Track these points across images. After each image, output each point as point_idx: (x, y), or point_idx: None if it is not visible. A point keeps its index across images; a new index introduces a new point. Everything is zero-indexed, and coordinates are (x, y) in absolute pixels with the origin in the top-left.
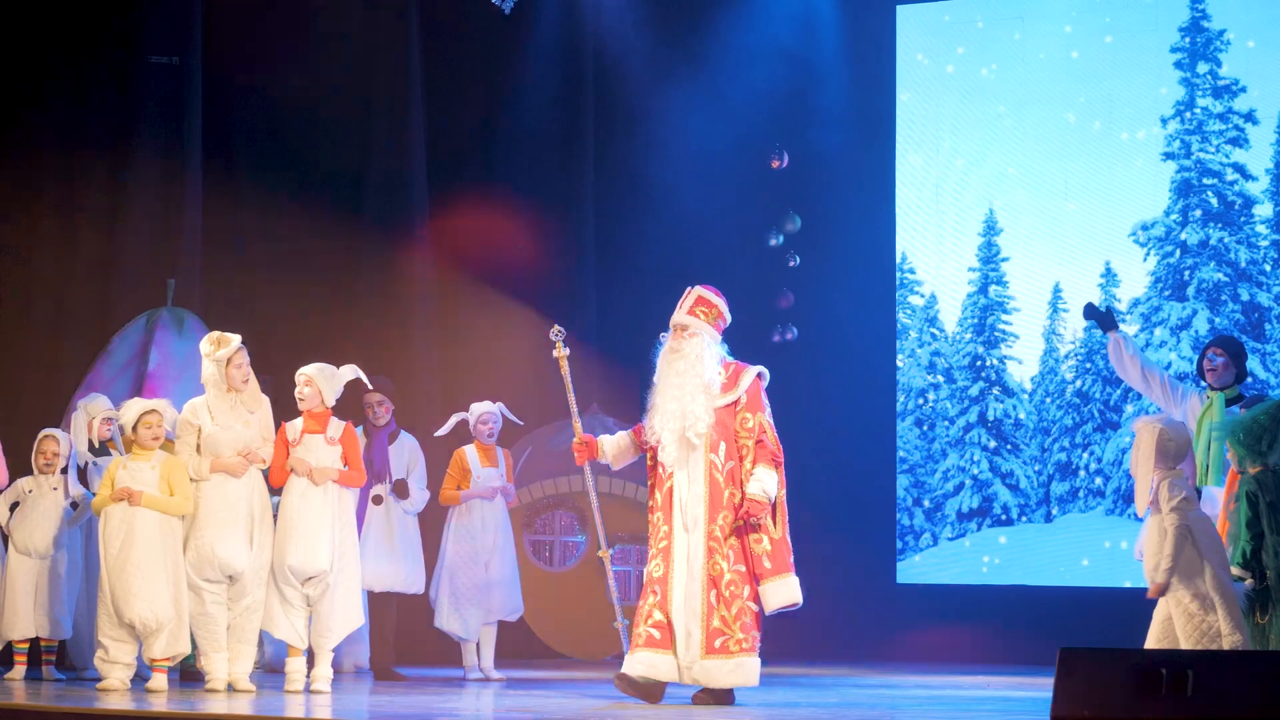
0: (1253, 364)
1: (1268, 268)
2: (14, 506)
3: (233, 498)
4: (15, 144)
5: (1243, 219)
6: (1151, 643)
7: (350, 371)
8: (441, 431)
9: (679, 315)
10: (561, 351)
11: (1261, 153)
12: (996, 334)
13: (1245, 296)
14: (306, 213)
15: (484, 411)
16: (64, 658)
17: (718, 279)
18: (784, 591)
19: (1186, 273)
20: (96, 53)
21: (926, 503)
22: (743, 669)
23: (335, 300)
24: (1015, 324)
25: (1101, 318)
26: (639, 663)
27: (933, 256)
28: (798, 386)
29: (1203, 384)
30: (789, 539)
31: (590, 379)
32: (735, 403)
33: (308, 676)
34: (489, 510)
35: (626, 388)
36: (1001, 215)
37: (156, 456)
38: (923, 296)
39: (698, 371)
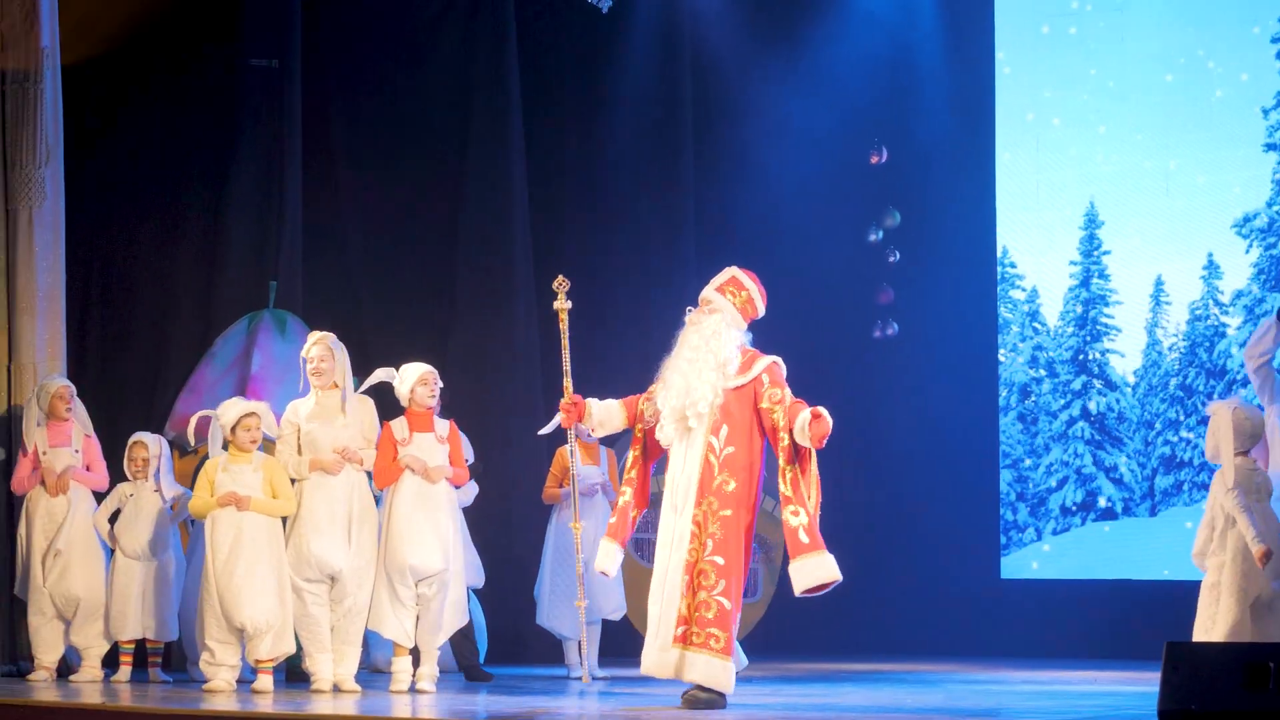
0: None
1: None
2: (116, 513)
3: (332, 497)
4: (118, 151)
5: None
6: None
7: (384, 373)
8: (545, 431)
9: (707, 290)
10: (563, 303)
11: None
12: (1099, 327)
13: None
14: (407, 213)
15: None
16: (169, 660)
17: (819, 275)
18: (824, 567)
19: None
20: (197, 56)
21: (1030, 498)
22: (705, 668)
23: (437, 300)
24: (1117, 317)
25: None
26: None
27: (1034, 250)
28: (899, 382)
29: None
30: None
31: None
32: (748, 385)
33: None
34: (587, 509)
35: None
36: (1102, 208)
37: (257, 458)
38: (1024, 290)
39: (713, 348)
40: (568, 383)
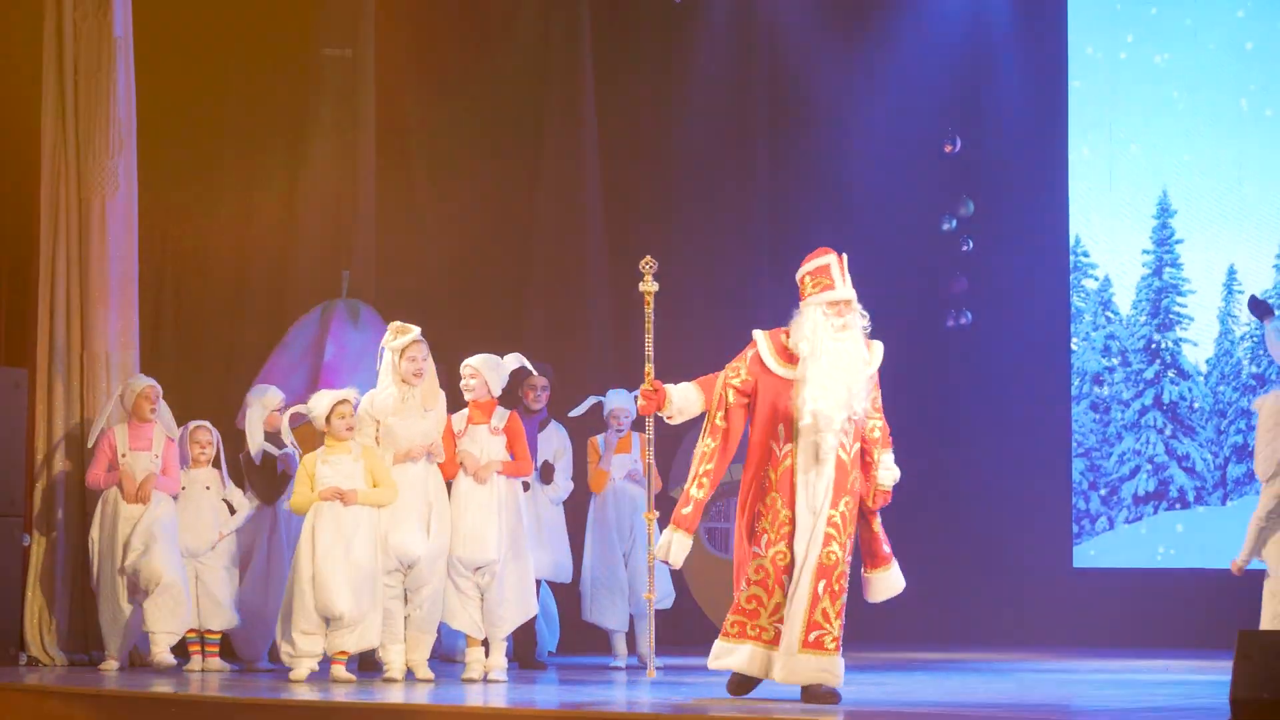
0: None
1: None
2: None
3: (409, 489)
4: (195, 142)
5: None
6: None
7: (514, 360)
8: (576, 412)
9: (847, 289)
10: (650, 286)
11: None
12: (1171, 316)
13: None
14: (481, 202)
15: (616, 406)
16: (228, 649)
17: (892, 263)
18: (895, 579)
19: None
20: (272, 45)
21: (1102, 487)
22: (832, 669)
23: (510, 290)
24: (1190, 306)
25: (1259, 307)
26: (744, 656)
27: (1106, 239)
28: (972, 371)
29: None
30: None
31: None
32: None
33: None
34: (624, 499)
35: None
36: (1175, 198)
37: (356, 447)
38: (1096, 280)
39: (861, 348)
40: (649, 368)
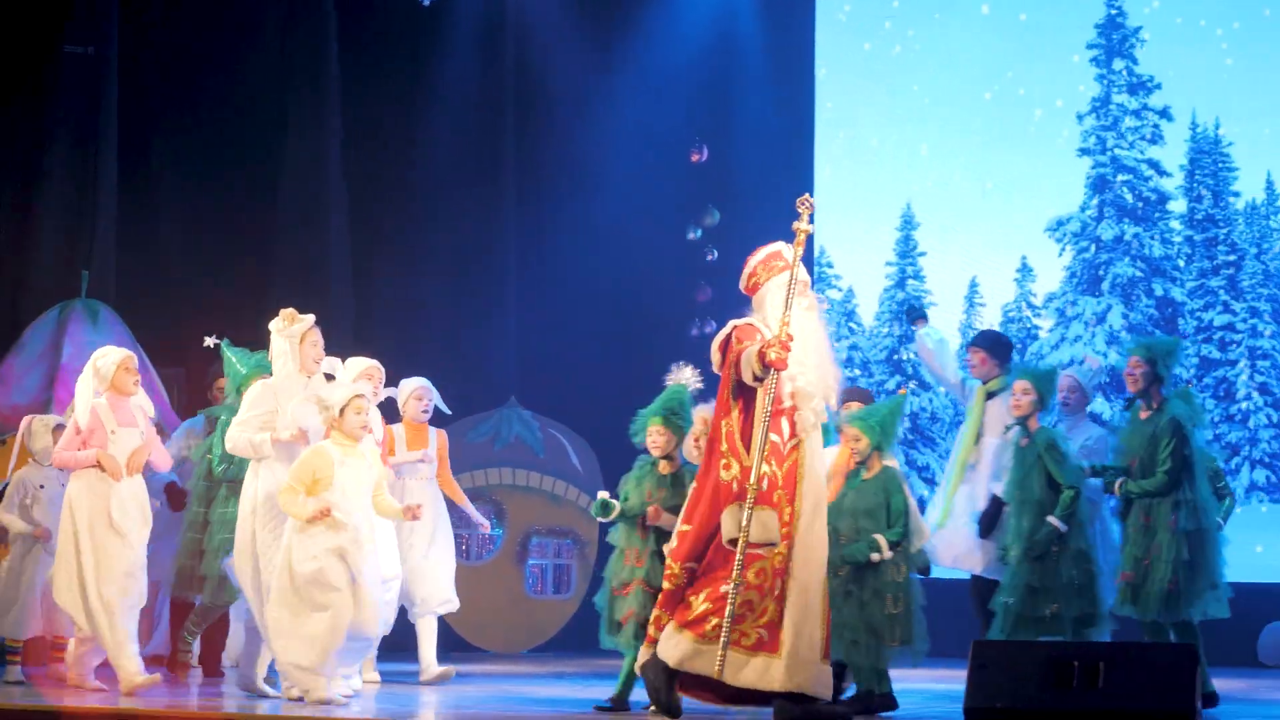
0: None
1: (1181, 263)
2: None
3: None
4: None
5: (1157, 215)
6: None
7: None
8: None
9: (803, 271)
10: (806, 225)
11: (1176, 149)
12: (912, 329)
13: (1159, 291)
14: (223, 204)
15: (418, 386)
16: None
17: (636, 272)
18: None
19: (1101, 268)
20: (11, 41)
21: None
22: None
23: (252, 292)
24: (932, 318)
25: (912, 313)
26: (740, 666)
27: (851, 251)
28: (717, 380)
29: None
30: None
31: (508, 372)
32: None
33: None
34: (418, 496)
35: (544, 380)
36: (919, 210)
37: (372, 450)
38: (840, 290)
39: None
40: (787, 315)
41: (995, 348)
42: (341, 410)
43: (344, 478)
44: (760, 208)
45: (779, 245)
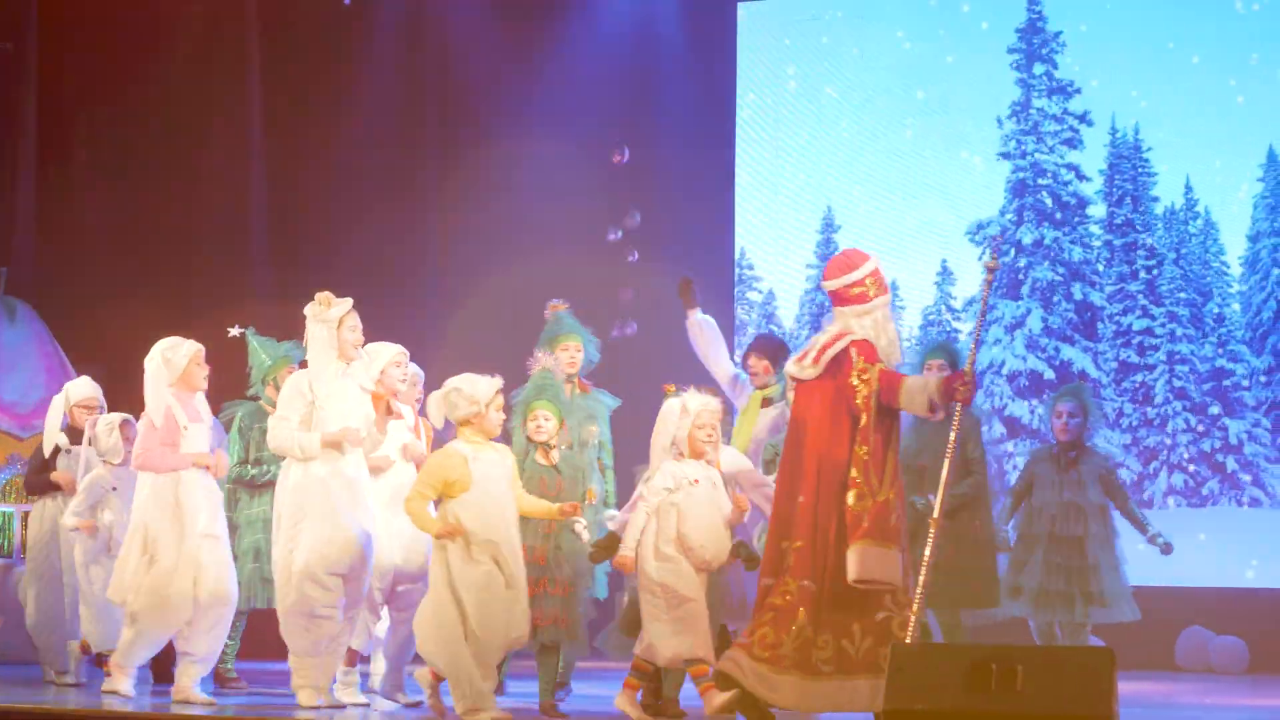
0: (1084, 363)
1: (1100, 267)
2: None
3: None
4: None
5: (1076, 219)
6: None
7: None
8: None
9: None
10: (994, 261)
11: (1095, 154)
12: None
13: (1078, 295)
14: (144, 200)
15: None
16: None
17: (558, 274)
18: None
19: (1021, 272)
20: None
21: None
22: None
23: (175, 288)
24: None
25: (687, 293)
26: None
27: (771, 253)
28: (639, 381)
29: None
30: None
31: (427, 373)
32: None
33: None
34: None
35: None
36: (840, 213)
37: (502, 445)
38: (761, 293)
39: None
40: (973, 358)
41: (778, 355)
42: (486, 405)
43: (481, 476)
44: (681, 209)
45: (878, 261)
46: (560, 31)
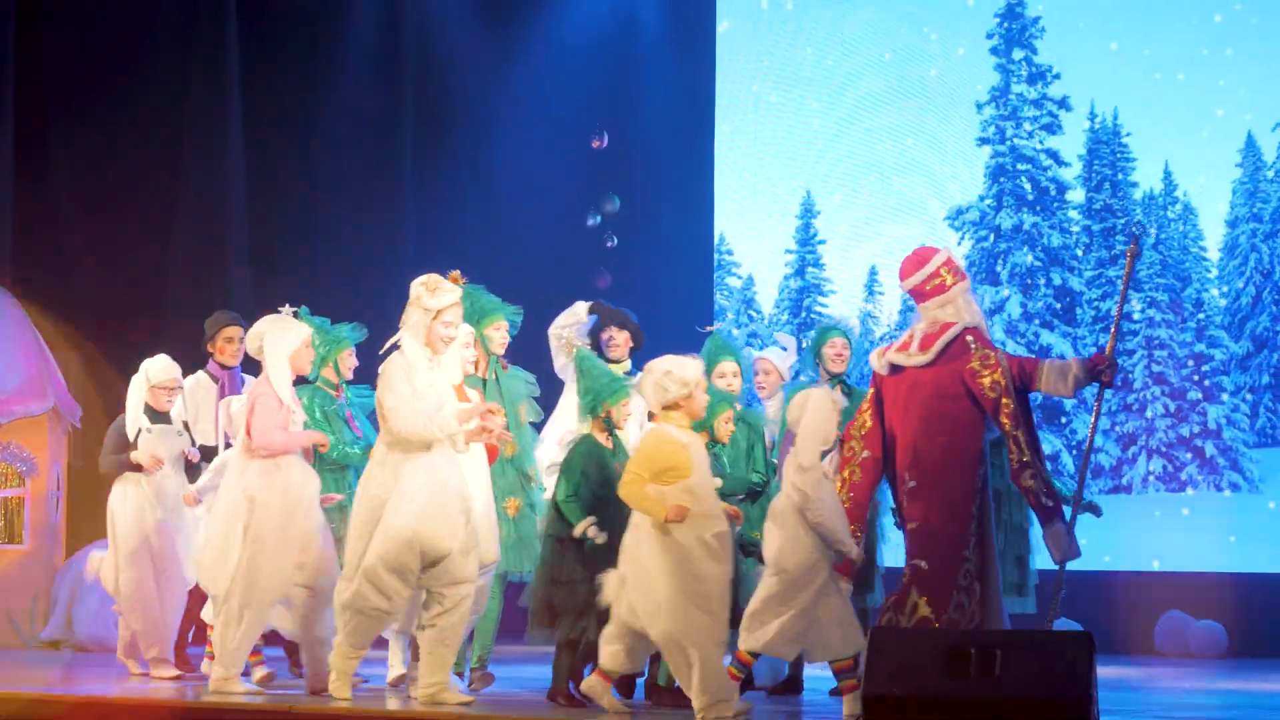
0: (1064, 347)
1: (1079, 253)
2: None
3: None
4: None
5: (1055, 204)
6: None
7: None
8: None
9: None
10: (1135, 246)
11: (1074, 139)
12: (813, 316)
13: (1057, 281)
14: (122, 189)
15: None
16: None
17: (537, 258)
18: None
19: (1000, 257)
20: None
21: None
22: None
23: (153, 284)
24: (831, 306)
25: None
26: None
27: (751, 239)
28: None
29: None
30: None
31: None
32: None
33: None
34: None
35: None
36: (819, 199)
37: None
38: (740, 278)
39: None
40: (1113, 339)
41: (637, 332)
42: (695, 387)
43: (699, 460)
44: (660, 195)
45: (949, 251)
46: (540, 16)
